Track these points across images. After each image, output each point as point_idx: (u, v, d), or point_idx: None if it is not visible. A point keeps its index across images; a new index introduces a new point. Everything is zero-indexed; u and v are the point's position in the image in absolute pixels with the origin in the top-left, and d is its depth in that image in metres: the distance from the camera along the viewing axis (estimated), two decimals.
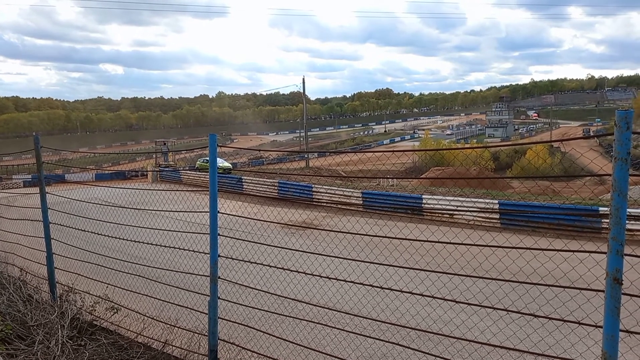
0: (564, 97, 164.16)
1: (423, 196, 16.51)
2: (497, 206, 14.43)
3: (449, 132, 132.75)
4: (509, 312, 3.54)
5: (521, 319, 3.81)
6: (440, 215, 15.46)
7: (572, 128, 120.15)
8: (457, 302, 3.80)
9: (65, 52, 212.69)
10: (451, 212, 15.12)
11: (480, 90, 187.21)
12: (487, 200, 14.80)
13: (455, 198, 15.84)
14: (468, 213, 14.60)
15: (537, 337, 4.30)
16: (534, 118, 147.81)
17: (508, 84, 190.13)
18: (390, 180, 29.19)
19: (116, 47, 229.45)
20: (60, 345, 4.97)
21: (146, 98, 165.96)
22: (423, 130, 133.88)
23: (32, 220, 7.60)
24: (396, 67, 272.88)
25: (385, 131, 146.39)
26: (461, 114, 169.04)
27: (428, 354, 4.08)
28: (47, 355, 4.87)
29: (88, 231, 6.65)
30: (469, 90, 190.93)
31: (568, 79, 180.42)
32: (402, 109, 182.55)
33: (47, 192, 6.86)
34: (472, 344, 4.48)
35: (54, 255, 6.88)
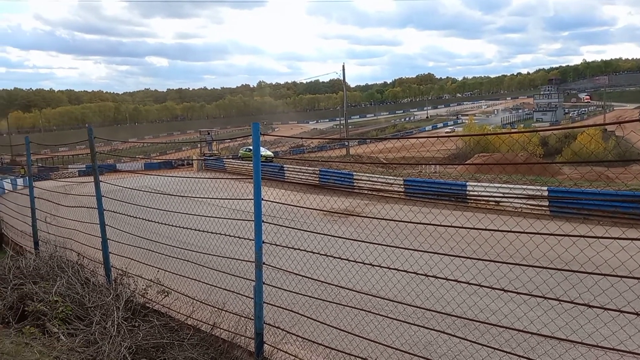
0: (619, 78, 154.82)
1: (468, 183, 16.13)
2: (546, 193, 13.91)
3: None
4: (561, 302, 3.42)
5: (574, 309, 3.67)
6: (485, 202, 15.06)
7: (627, 111, 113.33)
8: (505, 290, 3.70)
9: (112, 45, 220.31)
10: (497, 199, 14.70)
11: (528, 73, 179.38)
12: (535, 187, 14.29)
13: (502, 185, 15.38)
14: (515, 200, 14.15)
15: (591, 328, 4.14)
16: (586, 101, 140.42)
17: (557, 65, 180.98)
18: (432, 167, 28.67)
19: (160, 40, 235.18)
20: (116, 325, 5.23)
21: (190, 89, 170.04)
22: (467, 115, 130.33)
23: (87, 207, 7.99)
24: (438, 52, 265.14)
25: (427, 117, 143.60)
26: (507, 98, 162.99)
27: (474, 342, 4.02)
28: (104, 335, 5.14)
29: (139, 218, 6.93)
30: (515, 74, 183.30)
31: (623, 58, 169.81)
32: (444, 95, 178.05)
33: (101, 181, 7.18)
34: (520, 334, 4.36)
35: (108, 240, 7.23)
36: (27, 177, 19.16)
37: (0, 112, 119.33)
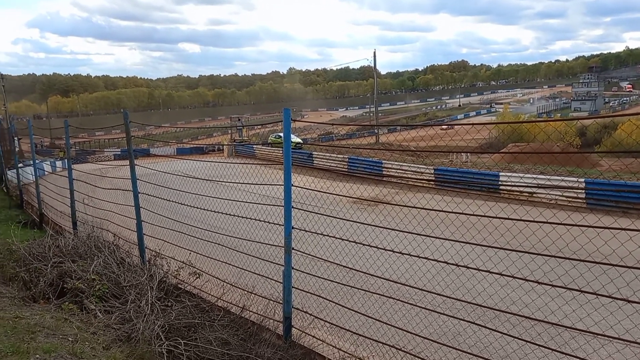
0: None
1: (501, 173, 15.78)
2: (582, 185, 13.47)
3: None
4: (599, 297, 3.32)
5: (611, 304, 3.56)
6: (518, 194, 14.71)
7: None
8: (539, 283, 3.62)
9: (147, 32, 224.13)
10: (531, 190, 14.33)
11: (567, 60, 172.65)
12: (572, 179, 13.85)
13: (537, 176, 14.96)
14: (550, 192, 13.76)
15: (629, 324, 4.01)
16: (628, 90, 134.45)
17: (598, 52, 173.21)
18: (464, 156, 28.13)
19: (193, 27, 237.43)
20: (150, 305, 5.39)
21: (222, 75, 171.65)
22: (501, 104, 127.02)
23: (123, 190, 8.22)
24: (472, 38, 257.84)
25: (459, 105, 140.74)
26: (544, 87, 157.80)
27: (505, 334, 3.96)
28: (138, 314, 5.31)
29: (172, 201, 7.09)
30: (553, 61, 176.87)
31: None
32: (478, 82, 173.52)
33: (136, 165, 7.36)
34: (553, 327, 4.28)
35: (142, 222, 7.43)
36: (65, 160, 19.88)
37: (40, 97, 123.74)
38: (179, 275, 6.59)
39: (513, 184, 14.85)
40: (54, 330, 4.68)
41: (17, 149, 17.88)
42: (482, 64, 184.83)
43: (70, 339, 4.49)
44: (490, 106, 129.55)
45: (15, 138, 18.47)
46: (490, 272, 3.91)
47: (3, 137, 20.93)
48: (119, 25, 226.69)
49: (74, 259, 6.84)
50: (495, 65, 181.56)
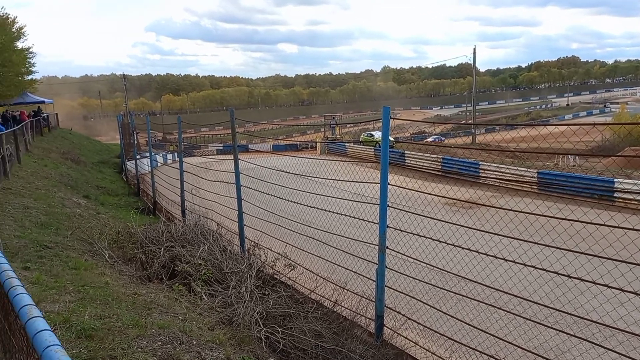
0: None
1: (616, 179, 14.40)
2: None
3: None
4: None
5: None
6: (638, 202, 13.31)
7: None
8: None
9: (248, 34, 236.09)
10: None
11: None
12: None
13: None
14: None
15: None
16: None
17: None
18: (571, 159, 26.02)
19: (291, 27, 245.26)
20: (249, 292, 5.79)
21: (317, 74, 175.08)
22: (617, 103, 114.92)
23: (226, 182, 8.83)
24: (584, 32, 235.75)
25: (567, 105, 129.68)
26: None
27: (611, 350, 3.70)
28: (239, 299, 5.72)
29: (270, 194, 7.48)
30: None
31: None
32: (590, 80, 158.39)
33: (240, 159, 7.88)
34: None
35: (243, 213, 7.93)
36: (175, 153, 21.66)
37: (155, 95, 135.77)
38: (275, 266, 6.95)
39: (630, 190, 13.49)
40: (167, 309, 5.17)
41: (135, 142, 19.85)
42: (595, 60, 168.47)
43: (180, 317, 4.93)
44: (604, 106, 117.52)
45: (135, 132, 20.51)
46: (595, 284, 3.68)
47: (125, 132, 23.35)
48: (224, 28, 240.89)
49: (183, 244, 7.50)
50: (611, 61, 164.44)
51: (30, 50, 32.39)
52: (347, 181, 5.88)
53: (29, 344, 1.52)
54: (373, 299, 5.25)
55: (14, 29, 30.45)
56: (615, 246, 3.89)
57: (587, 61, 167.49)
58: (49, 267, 5.89)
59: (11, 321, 2.11)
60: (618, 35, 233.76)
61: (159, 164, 21.39)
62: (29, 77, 34.15)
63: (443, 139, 60.88)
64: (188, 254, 7.02)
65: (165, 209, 13.27)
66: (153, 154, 15.49)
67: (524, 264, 4.20)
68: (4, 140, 12.18)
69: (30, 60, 32.66)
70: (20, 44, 31.06)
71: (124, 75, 60.89)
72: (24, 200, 10.06)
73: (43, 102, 36.31)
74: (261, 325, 5.11)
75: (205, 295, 6.03)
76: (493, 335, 4.56)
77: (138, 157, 18.77)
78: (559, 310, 4.15)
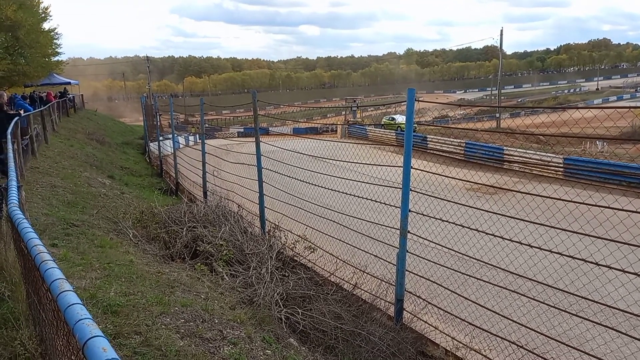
0: None
1: None
2: None
3: None
4: None
5: None
6: None
7: None
8: None
9: (270, 16, 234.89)
10: None
11: None
12: None
13: None
14: None
15: None
16: None
17: None
18: (600, 145, 25.31)
19: (313, 9, 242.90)
20: (269, 273, 5.84)
21: (338, 57, 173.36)
22: None
23: (247, 164, 8.86)
24: (616, 13, 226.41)
25: (597, 89, 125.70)
26: None
27: (636, 339, 3.62)
28: (259, 280, 5.78)
29: (291, 177, 7.48)
30: None
31: None
32: (622, 63, 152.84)
33: (261, 141, 7.89)
34: None
35: (264, 195, 7.97)
36: (197, 135, 21.85)
37: (177, 77, 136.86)
38: (295, 248, 6.99)
39: None
40: (189, 287, 5.26)
41: (158, 124, 20.07)
42: (628, 42, 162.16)
43: (202, 296, 5.01)
44: (636, 90, 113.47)
45: (157, 114, 20.73)
46: (624, 272, 3.58)
47: (148, 113, 23.62)
48: (246, 10, 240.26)
49: (205, 225, 7.60)
50: None
51: (56, 31, 32.89)
52: (370, 164, 5.83)
53: (59, 317, 1.54)
54: (393, 283, 5.24)
55: (40, 10, 30.89)
56: None
57: (619, 44, 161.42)
58: (75, 244, 6.04)
59: (41, 295, 2.16)
60: None
61: (181, 146, 21.62)
62: (55, 59, 34.72)
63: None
64: (210, 235, 7.11)
65: (188, 190, 13.44)
66: (175, 135, 15.64)
67: (550, 251, 4.11)
68: (31, 121, 12.44)
69: (57, 41, 33.18)
70: (46, 25, 31.55)
71: (147, 57, 61.47)
72: (51, 179, 10.30)
73: (69, 83, 36.94)
74: (281, 306, 5.16)
75: (227, 275, 6.11)
76: (515, 322, 4.51)
77: (161, 138, 18.99)
78: (583, 298, 4.06)
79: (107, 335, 3.44)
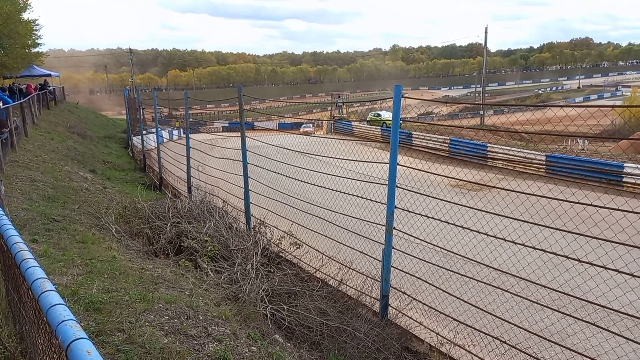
0: None
1: (625, 164, 14.24)
2: None
3: None
4: None
5: None
6: None
7: None
8: None
9: (256, 9, 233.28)
10: None
11: None
12: None
13: None
14: None
15: None
16: None
17: None
18: (580, 143, 25.76)
19: (299, 3, 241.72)
20: (255, 269, 5.81)
21: (324, 52, 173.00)
22: (629, 87, 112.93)
23: (233, 160, 8.78)
24: (599, 13, 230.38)
25: (578, 87, 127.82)
26: None
27: (616, 334, 3.69)
28: (244, 276, 5.75)
29: (276, 172, 7.44)
30: None
31: None
32: (603, 62, 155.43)
33: (247, 137, 7.83)
34: None
35: (249, 191, 7.91)
36: (181, 129, 21.59)
37: (161, 70, 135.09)
38: (281, 244, 6.96)
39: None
40: (174, 284, 5.20)
41: (142, 118, 19.79)
42: (609, 42, 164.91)
43: (186, 292, 4.96)
44: (616, 89, 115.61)
45: (141, 107, 20.43)
46: (606, 268, 3.65)
47: (131, 107, 23.28)
48: (232, 4, 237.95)
49: (189, 221, 7.52)
50: (625, 44, 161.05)
51: (37, 22, 32.09)
52: (356, 161, 5.83)
53: (40, 317, 1.50)
54: (378, 279, 5.26)
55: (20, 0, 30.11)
56: (629, 232, 3.84)
57: (601, 43, 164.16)
58: (56, 240, 5.92)
59: (22, 293, 2.11)
60: (634, 17, 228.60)
61: (164, 140, 21.37)
62: (35, 50, 33.90)
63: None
64: (194, 230, 7.04)
65: (172, 185, 13.29)
66: (159, 129, 15.44)
67: (534, 247, 4.16)
68: (11, 113, 12.15)
69: (37, 32, 32.39)
70: (26, 16, 30.76)
71: (130, 49, 60.32)
72: (31, 173, 10.09)
73: (49, 75, 36.15)
74: (267, 302, 5.14)
75: (212, 271, 6.06)
76: (498, 317, 4.56)
77: (144, 132, 18.73)
78: (565, 294, 4.12)
79: (90, 333, 3.39)
